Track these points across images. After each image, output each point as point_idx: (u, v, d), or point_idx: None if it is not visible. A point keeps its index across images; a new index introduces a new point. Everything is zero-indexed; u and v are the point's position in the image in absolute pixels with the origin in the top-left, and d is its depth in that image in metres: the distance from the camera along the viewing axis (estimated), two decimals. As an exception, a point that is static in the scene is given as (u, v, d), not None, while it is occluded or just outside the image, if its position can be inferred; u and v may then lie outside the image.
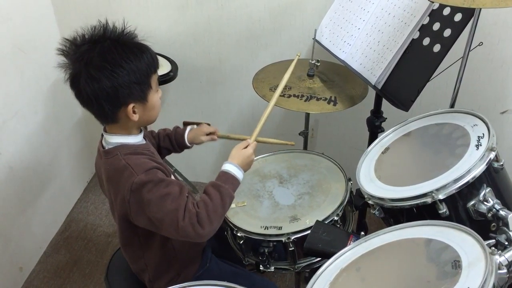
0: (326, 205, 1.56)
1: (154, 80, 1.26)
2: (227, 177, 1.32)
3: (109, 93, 1.17)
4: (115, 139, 1.28)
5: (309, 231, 1.36)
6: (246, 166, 1.38)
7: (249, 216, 1.56)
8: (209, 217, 1.22)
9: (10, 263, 2.11)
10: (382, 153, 1.45)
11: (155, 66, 1.27)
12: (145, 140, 1.35)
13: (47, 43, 2.24)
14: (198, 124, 1.63)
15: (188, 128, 1.61)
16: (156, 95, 1.28)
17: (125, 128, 1.28)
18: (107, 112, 1.22)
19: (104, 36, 1.20)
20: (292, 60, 1.61)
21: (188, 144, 1.61)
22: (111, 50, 1.17)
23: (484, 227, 1.16)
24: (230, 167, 1.34)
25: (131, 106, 1.22)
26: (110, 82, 1.16)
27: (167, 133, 1.61)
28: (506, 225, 1.09)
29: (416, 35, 1.51)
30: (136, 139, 1.31)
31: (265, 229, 1.50)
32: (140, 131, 1.34)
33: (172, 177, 1.31)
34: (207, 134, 1.60)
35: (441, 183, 1.16)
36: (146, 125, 1.41)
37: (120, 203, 1.25)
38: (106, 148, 1.29)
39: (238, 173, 1.34)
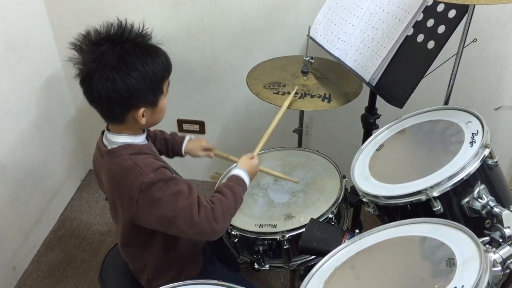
0: (321, 203, 1.55)
1: (166, 85, 1.26)
2: (238, 180, 1.36)
3: (122, 96, 1.16)
4: (120, 139, 1.26)
5: (303, 229, 1.36)
6: (252, 175, 1.43)
7: (243, 214, 1.56)
8: (224, 214, 1.24)
9: (3, 262, 2.09)
10: (377, 150, 1.44)
11: (169, 70, 1.26)
12: (148, 140, 1.34)
13: (40, 41, 2.22)
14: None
15: (187, 138, 1.62)
16: (165, 99, 1.27)
17: (131, 129, 1.27)
18: (116, 113, 1.21)
19: (122, 36, 1.18)
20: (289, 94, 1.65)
21: (183, 154, 1.62)
22: (130, 53, 1.16)
23: (478, 224, 1.16)
24: (241, 173, 1.38)
25: (141, 110, 1.21)
26: (124, 84, 1.15)
27: (165, 137, 1.60)
28: (501, 222, 1.09)
29: (410, 31, 1.50)
30: (141, 139, 1.30)
31: (259, 227, 1.50)
32: (144, 131, 1.33)
33: None
34: (205, 150, 1.61)
35: (435, 180, 1.16)
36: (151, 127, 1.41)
37: (126, 203, 1.24)
38: (109, 147, 1.27)
39: (247, 179, 1.38)
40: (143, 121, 1.23)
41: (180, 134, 1.65)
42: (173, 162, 2.47)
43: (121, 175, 1.23)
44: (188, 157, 2.57)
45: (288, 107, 1.65)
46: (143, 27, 1.22)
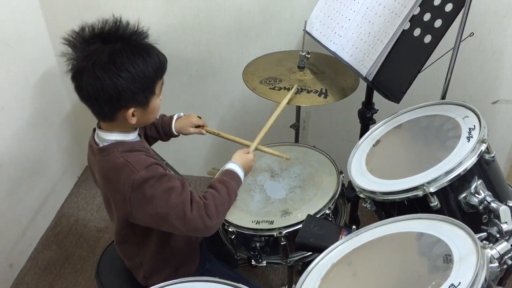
0: (318, 199, 1.55)
1: (158, 86, 1.24)
2: (232, 174, 1.34)
3: (111, 95, 1.15)
4: (111, 137, 1.25)
5: (300, 225, 1.35)
6: (247, 169, 1.41)
7: (240, 211, 1.55)
8: (217, 209, 1.23)
9: (0, 260, 2.08)
10: (373, 145, 1.44)
11: (162, 71, 1.24)
12: (140, 136, 1.33)
13: (34, 37, 2.20)
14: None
15: (175, 116, 1.59)
16: (157, 100, 1.25)
17: (122, 127, 1.26)
18: (105, 112, 1.20)
19: (116, 34, 1.16)
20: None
21: (175, 133, 1.58)
22: (121, 53, 1.14)
23: (475, 219, 1.15)
24: (235, 167, 1.36)
25: (131, 110, 1.20)
26: (113, 84, 1.13)
27: (153, 122, 1.57)
28: (498, 217, 1.09)
29: (407, 26, 1.49)
30: (132, 136, 1.29)
31: (256, 223, 1.49)
32: (135, 128, 1.31)
33: None
34: (196, 127, 1.58)
35: (432, 175, 1.15)
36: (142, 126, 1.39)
37: (120, 201, 1.23)
38: (101, 145, 1.26)
39: (241, 173, 1.37)
40: (133, 120, 1.21)
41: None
42: (171, 158, 2.47)
43: (113, 173, 1.22)
44: (185, 152, 2.59)
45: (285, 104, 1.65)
46: (138, 25, 1.20)
